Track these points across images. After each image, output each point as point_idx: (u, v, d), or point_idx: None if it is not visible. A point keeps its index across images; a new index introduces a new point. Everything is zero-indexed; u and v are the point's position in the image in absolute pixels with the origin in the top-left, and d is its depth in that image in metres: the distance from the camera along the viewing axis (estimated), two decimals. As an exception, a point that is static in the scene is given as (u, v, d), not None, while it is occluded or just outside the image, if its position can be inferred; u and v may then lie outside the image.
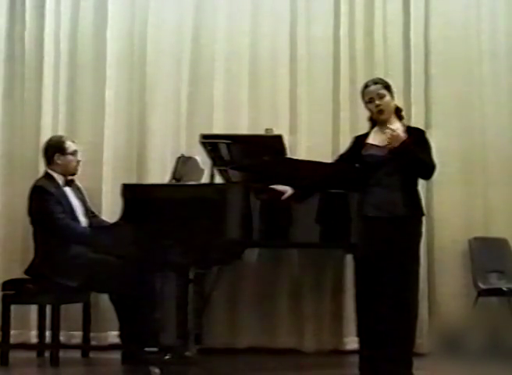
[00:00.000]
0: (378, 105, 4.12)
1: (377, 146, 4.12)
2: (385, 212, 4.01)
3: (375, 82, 4.19)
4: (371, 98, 4.14)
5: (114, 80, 5.63)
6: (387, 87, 4.17)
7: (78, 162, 4.99)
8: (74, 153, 4.96)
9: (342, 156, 4.33)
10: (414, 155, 4.01)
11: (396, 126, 4.16)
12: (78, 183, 5.08)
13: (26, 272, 4.81)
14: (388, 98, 4.14)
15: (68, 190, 4.93)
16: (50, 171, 4.94)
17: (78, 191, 5.03)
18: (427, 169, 4.11)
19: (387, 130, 3.99)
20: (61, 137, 5.09)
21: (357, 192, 4.21)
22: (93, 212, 5.07)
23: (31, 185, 4.91)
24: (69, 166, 4.94)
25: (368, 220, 4.07)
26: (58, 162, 4.91)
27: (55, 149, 4.93)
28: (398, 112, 4.23)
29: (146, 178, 5.53)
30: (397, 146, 3.96)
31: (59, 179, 4.91)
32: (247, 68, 5.66)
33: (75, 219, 4.83)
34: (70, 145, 4.96)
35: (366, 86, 4.19)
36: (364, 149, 4.14)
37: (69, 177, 4.97)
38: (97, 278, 4.65)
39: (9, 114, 5.70)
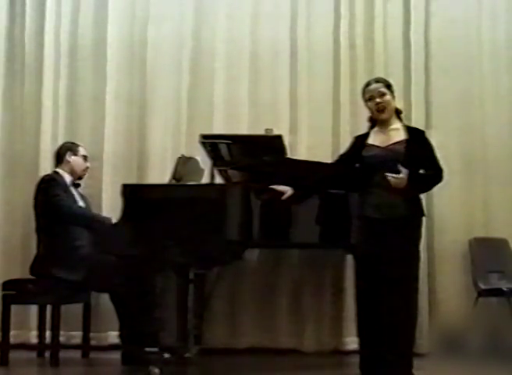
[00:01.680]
0: (378, 103, 4.11)
1: (377, 147, 4.11)
2: (385, 214, 4.01)
3: (377, 81, 4.19)
4: (371, 96, 4.13)
5: (114, 80, 5.63)
6: (388, 86, 4.17)
7: (87, 167, 5.09)
8: (85, 158, 5.09)
9: (342, 156, 4.33)
10: (424, 186, 4.12)
11: (397, 126, 4.16)
12: (83, 191, 5.13)
13: (31, 270, 4.82)
14: (389, 96, 4.13)
15: (74, 191, 4.99)
16: (58, 169, 5.02)
17: (84, 198, 5.09)
18: (437, 180, 4.15)
19: (388, 178, 3.98)
20: (74, 142, 5.20)
21: (357, 193, 4.21)
22: None
23: (38, 180, 4.97)
24: (77, 167, 5.04)
25: (368, 221, 4.07)
26: (69, 160, 5.01)
27: (67, 149, 5.06)
28: (398, 113, 4.22)
29: (146, 178, 5.54)
30: (404, 187, 3.97)
31: (67, 178, 4.98)
32: (247, 68, 5.66)
33: None
34: (82, 150, 5.11)
35: (367, 84, 4.18)
36: (365, 150, 4.13)
37: (76, 181, 5.02)
38: (98, 277, 4.65)
39: (9, 114, 5.70)
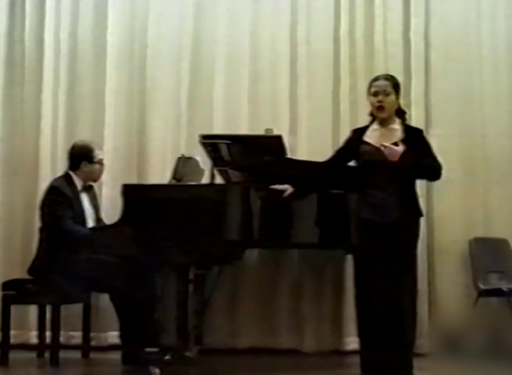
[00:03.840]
0: (380, 101, 4.09)
1: (374, 147, 4.09)
2: (381, 217, 4.00)
3: (386, 78, 4.17)
4: (376, 92, 4.11)
5: (114, 80, 5.63)
6: (396, 86, 4.15)
7: (102, 170, 5.03)
8: (101, 162, 4.99)
9: (339, 151, 4.32)
10: (420, 167, 4.05)
11: (396, 127, 4.15)
12: (95, 188, 5.11)
13: (29, 272, 4.82)
14: (392, 97, 4.12)
15: (84, 195, 4.94)
16: (71, 173, 4.94)
17: (93, 197, 5.04)
18: (436, 172, 4.13)
19: (383, 149, 3.98)
20: (90, 143, 5.03)
21: (355, 193, 4.20)
22: (100, 218, 5.08)
23: (48, 184, 4.95)
24: (93, 174, 4.98)
25: (364, 223, 4.07)
26: (84, 170, 4.92)
27: (82, 157, 4.92)
28: (401, 113, 4.20)
29: (146, 178, 5.53)
30: (398, 160, 3.96)
31: (78, 183, 4.92)
32: (247, 68, 5.66)
33: (83, 223, 4.85)
34: (98, 154, 4.98)
35: (376, 79, 4.17)
36: (361, 148, 4.12)
37: (89, 183, 4.99)
38: (98, 278, 4.65)
39: (9, 115, 5.69)
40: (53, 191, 4.84)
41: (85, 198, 4.95)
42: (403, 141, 4.08)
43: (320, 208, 4.51)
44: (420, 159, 4.04)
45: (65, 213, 4.74)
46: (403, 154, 3.97)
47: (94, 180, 5.03)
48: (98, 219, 5.03)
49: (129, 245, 4.24)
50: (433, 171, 4.14)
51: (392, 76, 4.24)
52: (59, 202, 4.77)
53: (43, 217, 4.88)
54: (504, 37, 5.71)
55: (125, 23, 5.71)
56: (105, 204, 5.39)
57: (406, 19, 5.68)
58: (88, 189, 4.99)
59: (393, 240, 3.96)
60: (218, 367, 4.71)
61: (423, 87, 5.62)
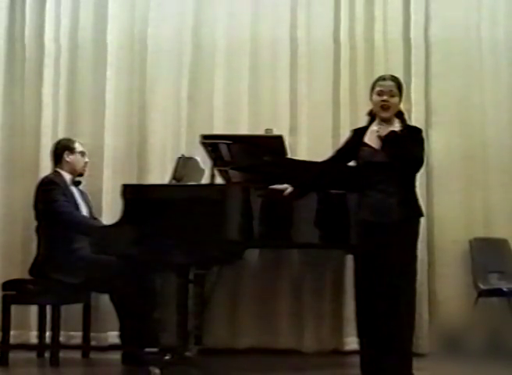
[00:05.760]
0: (385, 101, 4.09)
1: (373, 149, 4.09)
2: (380, 218, 3.99)
3: (392, 79, 4.17)
4: (381, 92, 4.10)
5: (114, 80, 5.63)
6: (400, 88, 4.15)
7: (86, 163, 5.09)
8: (82, 153, 5.08)
9: (339, 151, 4.32)
10: (399, 141, 4.02)
11: (395, 128, 4.14)
12: (84, 189, 5.14)
13: (30, 271, 4.83)
14: (397, 99, 4.12)
15: (74, 190, 4.99)
16: (58, 170, 5.02)
17: (84, 194, 5.10)
18: (410, 157, 4.05)
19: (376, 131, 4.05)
20: (69, 138, 5.19)
21: (355, 193, 4.20)
22: (95, 217, 5.11)
23: (39, 181, 4.99)
24: (77, 165, 5.04)
25: (364, 224, 4.07)
26: (67, 160, 5.01)
27: (64, 148, 5.05)
28: (400, 115, 4.20)
29: (146, 178, 5.54)
30: (386, 134, 4.01)
31: (67, 177, 4.99)
32: (247, 68, 5.66)
33: None
34: (78, 146, 5.09)
35: (382, 78, 4.17)
36: (361, 150, 4.13)
37: (77, 178, 5.02)
38: (98, 278, 4.66)
39: (9, 114, 5.70)
40: (44, 182, 4.92)
41: (76, 193, 5.00)
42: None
43: (320, 208, 4.50)
44: (403, 141, 4.03)
45: (59, 198, 4.81)
46: (392, 134, 4.01)
47: (80, 173, 5.06)
48: (93, 218, 5.04)
49: (129, 245, 4.23)
50: (410, 156, 4.04)
51: (397, 78, 4.23)
52: (52, 189, 4.84)
53: (37, 216, 4.89)
54: (504, 38, 5.70)
55: (125, 22, 5.72)
56: (106, 204, 5.41)
57: (406, 18, 5.68)
58: (77, 184, 5.03)
59: (393, 240, 3.95)
60: (218, 367, 4.71)
61: (423, 87, 5.62)
